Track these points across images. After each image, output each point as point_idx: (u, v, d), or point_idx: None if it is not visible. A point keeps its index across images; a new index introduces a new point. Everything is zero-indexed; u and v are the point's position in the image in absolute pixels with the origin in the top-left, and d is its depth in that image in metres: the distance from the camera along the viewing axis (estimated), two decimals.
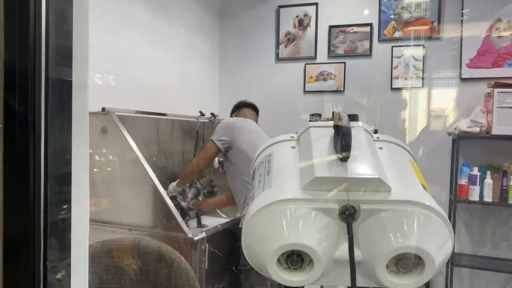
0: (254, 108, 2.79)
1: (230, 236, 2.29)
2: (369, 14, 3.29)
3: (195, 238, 1.97)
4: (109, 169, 2.16)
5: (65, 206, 0.87)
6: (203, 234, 2.03)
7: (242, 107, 2.76)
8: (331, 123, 0.84)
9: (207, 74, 3.64)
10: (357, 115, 0.93)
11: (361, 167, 0.72)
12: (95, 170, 2.16)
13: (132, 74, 2.73)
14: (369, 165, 0.72)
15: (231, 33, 3.74)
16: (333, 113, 0.95)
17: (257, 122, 2.76)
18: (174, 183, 2.57)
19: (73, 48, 0.88)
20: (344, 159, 0.73)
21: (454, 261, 2.98)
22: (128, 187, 2.16)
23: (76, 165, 0.89)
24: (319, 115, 0.92)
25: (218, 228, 2.24)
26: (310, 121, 0.94)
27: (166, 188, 2.54)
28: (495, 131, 2.70)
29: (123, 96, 2.61)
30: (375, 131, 0.93)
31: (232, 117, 2.76)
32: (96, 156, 2.16)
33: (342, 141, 0.72)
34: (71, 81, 0.88)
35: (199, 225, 2.72)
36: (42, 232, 0.78)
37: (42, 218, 0.79)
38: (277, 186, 0.73)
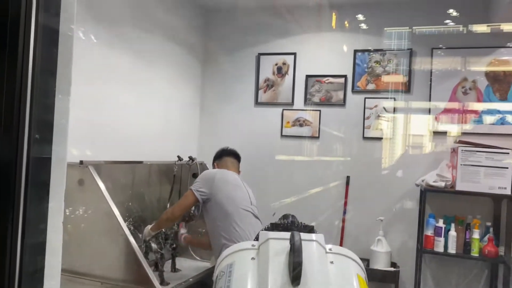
0: (236, 156, 2.85)
1: None
2: (344, 66, 3.45)
3: None
4: (83, 221, 2.19)
5: (38, 276, 0.92)
6: None
7: (224, 156, 2.80)
8: (289, 235, 0.92)
9: (188, 116, 3.72)
10: (313, 226, 1.02)
11: None
12: (70, 221, 2.18)
13: (112, 121, 2.78)
14: None
15: (213, 76, 3.84)
16: (291, 221, 1.04)
17: (238, 170, 2.82)
18: (149, 227, 2.60)
19: (54, 122, 0.94)
20: (295, 284, 0.81)
21: None
22: (101, 239, 2.19)
23: (51, 235, 0.95)
24: (279, 224, 1.00)
25: (189, 281, 2.27)
26: (270, 228, 1.02)
27: (139, 238, 2.58)
28: (459, 187, 2.84)
29: (102, 144, 2.66)
30: (311, 229, 1.01)
31: (214, 165, 2.81)
32: (72, 208, 2.19)
33: (294, 271, 0.80)
34: (50, 158, 0.94)
35: (173, 269, 2.75)
36: None
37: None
38: None
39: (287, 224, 1.02)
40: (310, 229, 0.99)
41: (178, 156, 3.08)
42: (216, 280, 0.94)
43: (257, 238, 1.01)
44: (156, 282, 2.05)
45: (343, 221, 3.42)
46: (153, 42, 3.19)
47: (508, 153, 2.75)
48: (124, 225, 2.13)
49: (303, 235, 0.92)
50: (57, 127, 0.93)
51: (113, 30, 2.77)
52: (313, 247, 0.92)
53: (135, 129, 3.02)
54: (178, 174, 3.12)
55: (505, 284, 2.82)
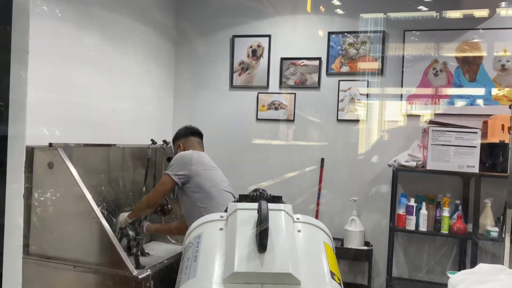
0: (200, 135, 2.75)
1: (177, 271, 2.32)
2: (318, 48, 3.46)
3: (140, 277, 1.99)
4: (54, 204, 2.15)
5: None
6: (148, 271, 2.06)
7: (190, 136, 2.70)
8: (256, 205, 0.92)
9: (162, 100, 3.67)
10: (281, 196, 1.02)
11: (276, 260, 0.81)
12: (41, 205, 2.14)
13: (82, 103, 2.72)
14: (283, 258, 0.81)
15: (187, 59, 3.79)
16: (260, 193, 1.04)
17: (203, 149, 2.78)
18: (125, 214, 2.55)
19: (10, 98, 0.89)
20: (262, 251, 0.82)
21: (393, 284, 3.16)
22: (73, 223, 2.15)
23: (11, 217, 0.91)
24: (248, 196, 1.00)
25: (164, 263, 2.26)
26: (239, 200, 1.02)
27: (113, 222, 2.54)
28: (430, 166, 2.91)
29: (72, 126, 2.60)
30: (280, 199, 1.02)
31: (179, 144, 2.72)
32: (41, 191, 2.14)
33: (261, 237, 0.80)
34: (6, 136, 0.89)
35: (142, 254, 2.70)
36: None
37: None
38: (201, 277, 0.81)
39: (256, 195, 1.02)
40: (278, 200, 0.99)
41: (152, 140, 3.04)
42: (184, 251, 0.93)
43: (226, 210, 1.01)
44: (130, 264, 2.03)
45: (318, 204, 3.46)
46: (122, 22, 3.11)
47: (476, 132, 2.83)
48: (96, 208, 2.10)
49: (271, 205, 0.93)
50: (14, 103, 0.88)
51: (81, 9, 2.69)
52: (281, 216, 0.93)
53: (106, 111, 2.96)
54: (152, 158, 3.08)
55: (472, 260, 2.92)
